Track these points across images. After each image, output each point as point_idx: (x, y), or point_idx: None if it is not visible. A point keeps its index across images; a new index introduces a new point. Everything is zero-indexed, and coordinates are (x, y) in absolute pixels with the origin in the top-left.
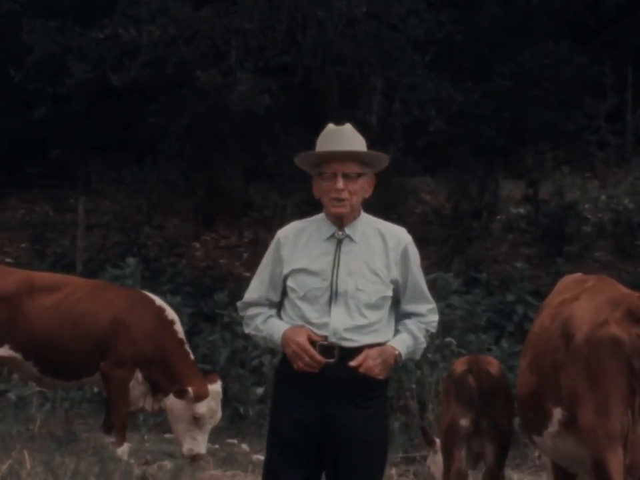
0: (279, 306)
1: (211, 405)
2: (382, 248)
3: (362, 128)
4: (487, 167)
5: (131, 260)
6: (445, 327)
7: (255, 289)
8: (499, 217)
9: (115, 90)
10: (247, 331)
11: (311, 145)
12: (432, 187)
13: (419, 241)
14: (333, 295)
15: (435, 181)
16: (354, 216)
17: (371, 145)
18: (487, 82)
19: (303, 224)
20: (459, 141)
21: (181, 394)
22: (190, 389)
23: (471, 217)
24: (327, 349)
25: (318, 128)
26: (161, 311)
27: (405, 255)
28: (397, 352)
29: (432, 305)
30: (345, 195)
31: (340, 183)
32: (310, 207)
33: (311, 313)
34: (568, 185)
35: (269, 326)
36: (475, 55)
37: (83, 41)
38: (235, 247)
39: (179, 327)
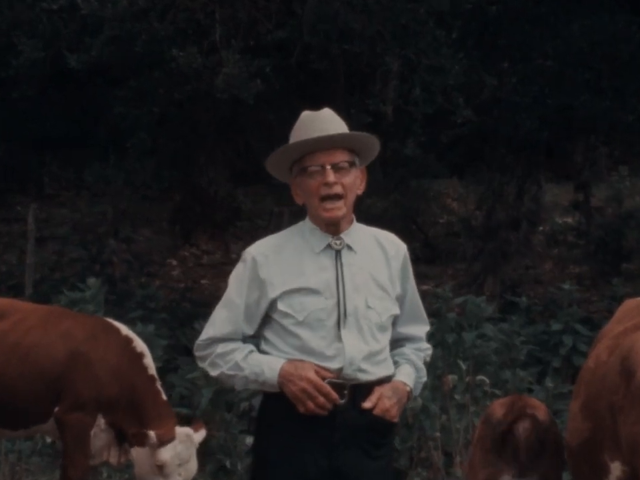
0: (255, 341)
1: (177, 450)
2: (383, 258)
3: (374, 119)
4: (526, 167)
5: (92, 280)
6: (477, 362)
7: (226, 321)
8: (541, 228)
9: (73, 73)
10: (215, 372)
11: None
12: (459, 192)
13: (445, 257)
14: (342, 316)
15: (463, 183)
16: (349, 220)
17: (385, 140)
18: (527, 63)
19: (279, 239)
20: (492, 134)
21: (140, 439)
22: (151, 433)
23: (507, 227)
24: (337, 386)
25: None
26: (127, 342)
27: (405, 266)
28: (408, 388)
29: (428, 327)
30: (338, 189)
31: (331, 176)
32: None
33: (317, 342)
34: (626, 189)
35: (253, 362)
36: (512, 29)
37: (33, 13)
38: (219, 265)
39: (149, 361)
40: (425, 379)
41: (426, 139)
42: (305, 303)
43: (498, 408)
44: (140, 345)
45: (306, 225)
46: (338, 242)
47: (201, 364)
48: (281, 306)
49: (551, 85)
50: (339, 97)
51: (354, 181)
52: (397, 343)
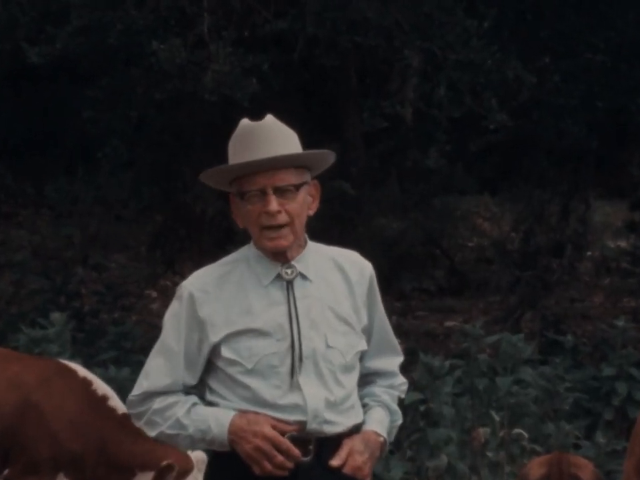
0: (199, 392)
1: None
2: (344, 285)
3: (391, 123)
4: (572, 181)
5: (56, 316)
6: (513, 412)
7: (162, 372)
8: (589, 254)
9: (34, 69)
10: (154, 432)
11: (317, 146)
12: (492, 210)
13: (475, 288)
14: (297, 360)
15: (496, 201)
16: (300, 244)
17: (403, 148)
18: (573, 58)
19: (220, 270)
20: (531, 143)
21: (164, 473)
22: (173, 464)
23: (548, 253)
24: (300, 441)
25: (327, 124)
26: (86, 385)
27: (371, 290)
28: (382, 439)
29: (401, 358)
30: (282, 218)
31: (273, 203)
32: (316, 236)
33: (270, 392)
34: None
35: (198, 417)
36: (554, 18)
37: None
38: None
39: (116, 403)
40: (400, 421)
41: (452, 148)
42: (253, 348)
43: (537, 467)
44: (101, 386)
45: (250, 251)
46: (289, 271)
47: (136, 423)
48: (225, 352)
49: (602, 84)
50: (350, 99)
51: (302, 204)
52: (365, 379)
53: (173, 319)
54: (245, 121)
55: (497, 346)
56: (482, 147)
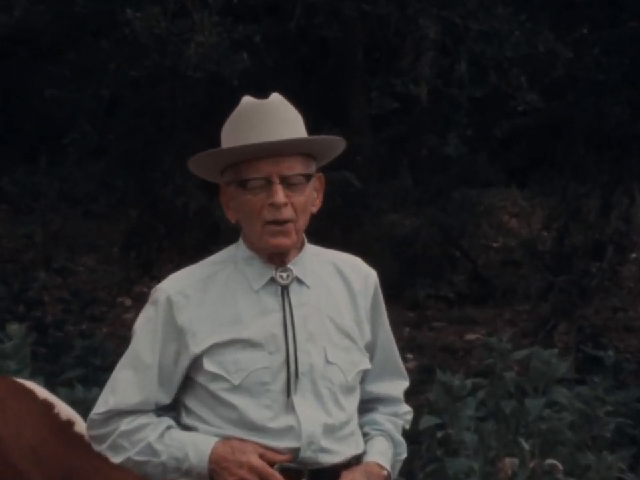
0: (175, 412)
1: None
2: (346, 293)
3: (403, 105)
4: (614, 172)
5: (14, 327)
6: (545, 440)
7: (132, 387)
8: (634, 255)
9: None
10: (119, 458)
11: (317, 132)
12: (521, 205)
13: (500, 295)
14: (292, 377)
15: (525, 194)
16: (297, 246)
17: (416, 132)
18: (614, 28)
19: (203, 271)
20: (566, 127)
21: None
22: None
23: (586, 255)
24: (292, 472)
25: (328, 105)
26: (47, 408)
27: (376, 302)
28: (385, 472)
29: (407, 383)
30: (288, 213)
31: (280, 194)
32: (316, 236)
33: (259, 413)
34: None
35: (173, 443)
36: None
37: None
38: None
39: (82, 428)
40: (404, 455)
41: (474, 133)
42: (241, 361)
43: None
44: (65, 410)
45: (239, 250)
46: (284, 274)
47: (97, 447)
48: (208, 365)
49: None
50: (355, 76)
51: (308, 199)
52: (365, 405)
53: (147, 325)
54: (247, 99)
55: (527, 362)
56: (509, 131)
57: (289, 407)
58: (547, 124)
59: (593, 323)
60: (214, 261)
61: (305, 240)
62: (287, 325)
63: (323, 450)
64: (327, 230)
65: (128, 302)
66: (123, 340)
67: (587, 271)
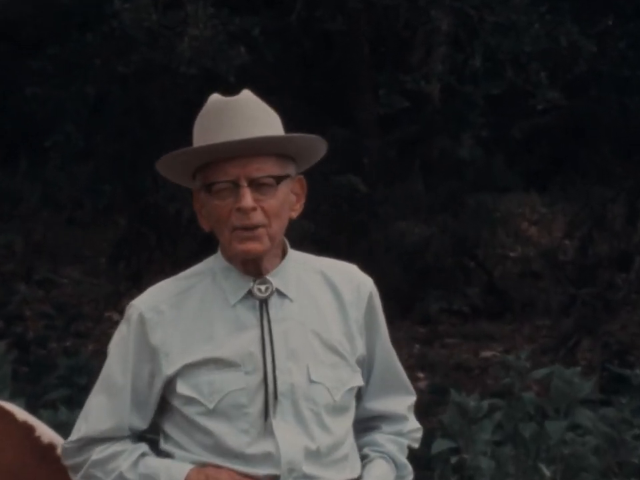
0: (150, 438)
1: None
2: (335, 304)
3: (413, 103)
4: None
5: None
6: (568, 465)
7: (105, 413)
8: None
9: None
10: None
11: (320, 132)
12: (540, 212)
13: (519, 309)
14: (271, 399)
15: (545, 200)
16: (276, 254)
17: (428, 133)
18: None
19: (178, 284)
20: (590, 127)
21: None
22: None
23: (612, 265)
24: None
25: (332, 103)
26: (27, 430)
27: (370, 313)
28: None
29: (413, 398)
30: (257, 218)
31: (247, 198)
32: (319, 245)
33: (236, 438)
34: None
35: (146, 471)
36: None
37: None
38: None
39: None
40: (410, 478)
41: (490, 134)
42: (215, 382)
43: None
44: (46, 432)
45: (217, 262)
46: (262, 287)
47: (73, 477)
48: (181, 387)
49: None
50: (362, 72)
51: (283, 203)
52: (366, 424)
53: (119, 345)
54: (214, 96)
55: (547, 382)
56: (528, 132)
57: (268, 431)
58: (568, 123)
59: (619, 339)
60: (191, 273)
61: (288, 247)
62: (265, 341)
63: (306, 477)
64: (331, 239)
65: (116, 317)
66: None
67: (612, 283)
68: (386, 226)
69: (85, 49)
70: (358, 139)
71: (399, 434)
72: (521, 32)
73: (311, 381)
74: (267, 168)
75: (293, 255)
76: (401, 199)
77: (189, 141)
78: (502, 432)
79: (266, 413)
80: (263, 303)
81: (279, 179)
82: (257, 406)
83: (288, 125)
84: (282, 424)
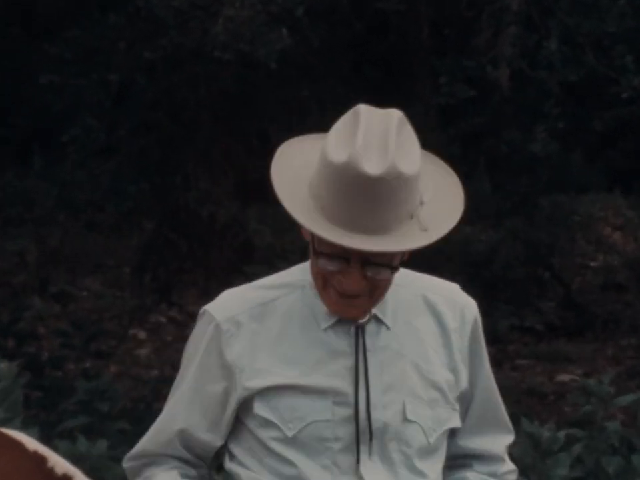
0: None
1: None
2: (437, 333)
3: (480, 92)
4: None
5: (3, 366)
6: None
7: (165, 429)
8: None
9: None
10: None
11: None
12: (626, 215)
13: (601, 327)
14: (362, 435)
15: (631, 202)
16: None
17: (495, 125)
18: None
19: (261, 293)
20: None
21: None
22: None
23: None
24: None
25: (386, 93)
26: (38, 461)
27: (475, 341)
28: None
29: (512, 437)
30: (362, 289)
31: (355, 279)
32: None
33: (313, 473)
34: None
35: None
36: None
37: None
38: None
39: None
40: None
41: (567, 127)
42: (299, 409)
43: None
44: (60, 463)
45: (308, 276)
46: None
47: None
48: (259, 409)
49: None
50: (420, 57)
51: (392, 275)
52: (457, 461)
53: (190, 359)
54: (363, 117)
55: (634, 410)
56: (611, 124)
57: (352, 472)
58: None
59: None
60: (278, 284)
61: None
62: (359, 372)
63: None
64: None
65: (142, 334)
66: (135, 381)
67: None
68: (448, 232)
69: (107, 32)
70: (416, 132)
71: (494, 475)
72: (603, 10)
73: (406, 420)
74: (387, 257)
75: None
76: (464, 201)
77: (224, 135)
78: (582, 467)
79: (357, 452)
80: (360, 330)
81: (395, 266)
82: (342, 442)
83: (335, 119)
84: (368, 465)
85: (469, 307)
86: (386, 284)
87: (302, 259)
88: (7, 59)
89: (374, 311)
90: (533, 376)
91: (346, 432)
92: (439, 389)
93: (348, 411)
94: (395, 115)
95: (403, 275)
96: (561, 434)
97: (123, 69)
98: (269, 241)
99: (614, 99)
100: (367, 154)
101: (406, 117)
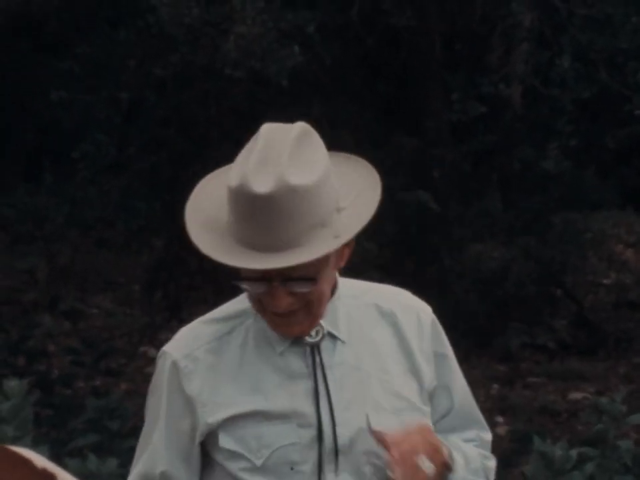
0: None
1: None
2: (394, 340)
3: (492, 109)
4: None
5: (12, 384)
6: None
7: (140, 473)
8: None
9: None
10: None
11: (381, 143)
12: (638, 233)
13: (613, 345)
14: (326, 455)
15: None
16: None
17: (508, 142)
18: None
19: (214, 327)
20: None
21: None
22: None
23: None
24: None
25: (399, 110)
26: (48, 478)
27: (437, 340)
28: (445, 455)
29: (489, 435)
30: (295, 306)
31: (280, 299)
32: (384, 271)
33: None
34: None
35: None
36: None
37: None
38: None
39: None
40: (493, 463)
41: (580, 144)
42: (264, 437)
43: None
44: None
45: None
46: (313, 331)
47: None
48: (224, 441)
49: None
50: (433, 73)
51: (325, 282)
52: None
53: (152, 401)
54: (261, 141)
55: None
56: (624, 142)
57: None
58: None
59: None
60: (230, 315)
61: (338, 281)
62: (320, 392)
63: None
64: (398, 264)
65: (152, 352)
66: (146, 399)
67: None
68: (460, 249)
69: (117, 48)
70: (427, 150)
71: (473, 441)
72: (616, 26)
73: (372, 432)
74: (306, 268)
75: (343, 288)
76: (476, 218)
77: (234, 151)
78: None
79: (320, 471)
80: (315, 349)
81: (315, 278)
82: (310, 463)
83: (346, 137)
84: None
85: (424, 310)
86: (319, 297)
87: None
88: (16, 74)
89: (326, 327)
90: (545, 394)
91: (314, 453)
92: (402, 397)
93: (313, 432)
94: (295, 128)
95: (355, 288)
96: (574, 452)
97: (133, 85)
98: None
99: (627, 116)
100: (257, 173)
101: (311, 128)
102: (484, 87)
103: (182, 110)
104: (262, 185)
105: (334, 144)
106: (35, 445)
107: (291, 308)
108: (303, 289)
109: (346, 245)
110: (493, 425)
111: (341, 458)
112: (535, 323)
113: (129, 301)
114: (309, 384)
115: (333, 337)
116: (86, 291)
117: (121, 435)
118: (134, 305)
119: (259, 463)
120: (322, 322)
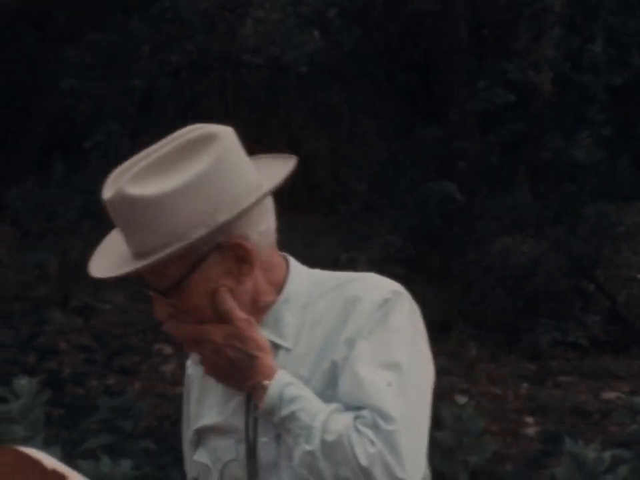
0: None
1: None
2: (347, 335)
3: (520, 96)
4: None
5: (23, 382)
6: None
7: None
8: None
9: None
10: None
11: (403, 133)
12: None
13: None
14: (262, 469)
15: None
16: (259, 306)
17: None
18: None
19: None
20: None
21: None
22: None
23: None
24: None
25: (423, 98)
26: (57, 479)
27: (368, 322)
28: (266, 382)
29: (390, 427)
30: (165, 319)
31: (154, 306)
32: (408, 266)
33: None
34: None
35: None
36: None
37: None
38: None
39: None
40: (307, 447)
41: (613, 132)
42: (218, 450)
43: None
44: None
45: None
46: None
47: None
48: (198, 453)
49: None
50: (458, 61)
51: (201, 292)
52: None
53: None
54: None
55: None
56: None
57: None
58: None
59: None
60: None
61: (288, 282)
62: (250, 407)
63: None
64: (421, 258)
65: (167, 350)
66: (160, 398)
67: None
68: (487, 243)
69: (131, 36)
70: (453, 140)
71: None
72: None
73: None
74: (161, 277)
75: (296, 289)
76: (504, 211)
77: (253, 141)
78: None
79: None
80: None
81: (178, 284)
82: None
83: (367, 125)
84: None
85: (382, 292)
86: (192, 308)
87: (333, 269)
88: (26, 63)
89: (269, 336)
90: (577, 393)
91: (251, 468)
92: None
93: (244, 448)
94: (181, 134)
95: (325, 279)
96: (607, 454)
97: (147, 73)
98: (302, 251)
99: (597, 108)
100: (114, 180)
101: (223, 135)
102: (512, 73)
103: (198, 98)
104: (107, 192)
105: (354, 132)
106: (46, 446)
107: (166, 317)
108: (164, 299)
109: (240, 262)
110: (522, 426)
111: (272, 473)
112: (566, 319)
113: (143, 296)
114: (242, 399)
115: (275, 345)
116: (99, 286)
117: (134, 435)
118: (148, 301)
119: (216, 476)
120: (264, 331)
